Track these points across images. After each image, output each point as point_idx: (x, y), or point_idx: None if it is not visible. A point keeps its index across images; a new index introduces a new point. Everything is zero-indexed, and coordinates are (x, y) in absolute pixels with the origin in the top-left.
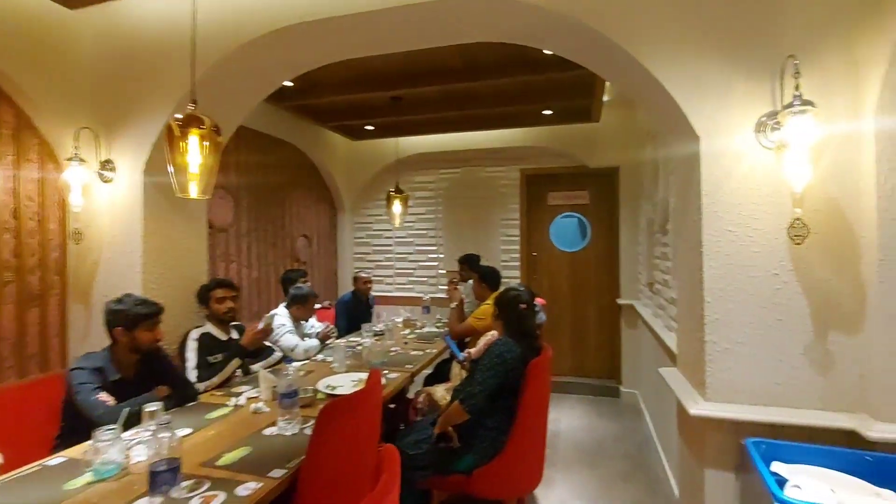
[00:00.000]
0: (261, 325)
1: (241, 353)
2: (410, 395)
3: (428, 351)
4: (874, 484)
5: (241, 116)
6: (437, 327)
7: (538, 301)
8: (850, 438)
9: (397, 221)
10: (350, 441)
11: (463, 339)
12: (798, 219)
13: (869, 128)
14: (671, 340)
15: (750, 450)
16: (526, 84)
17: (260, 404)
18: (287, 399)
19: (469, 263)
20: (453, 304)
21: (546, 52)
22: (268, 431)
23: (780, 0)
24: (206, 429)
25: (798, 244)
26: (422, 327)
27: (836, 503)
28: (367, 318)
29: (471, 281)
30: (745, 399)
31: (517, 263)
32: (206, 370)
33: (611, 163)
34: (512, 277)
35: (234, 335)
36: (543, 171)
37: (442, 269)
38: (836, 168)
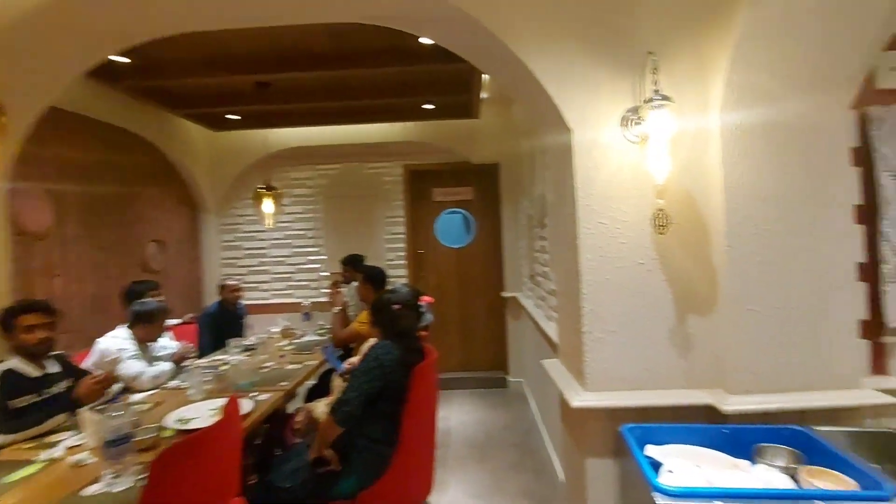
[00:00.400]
0: (88, 361)
1: (70, 407)
2: (294, 411)
3: (307, 363)
4: (731, 454)
5: (51, 95)
6: (320, 335)
7: (425, 300)
8: (710, 413)
9: (269, 222)
10: (197, 491)
11: (348, 346)
12: (661, 209)
13: (715, 125)
14: (552, 330)
15: (626, 436)
16: (404, 76)
17: (83, 454)
18: (114, 446)
19: (353, 264)
20: (336, 309)
21: (423, 41)
22: (91, 490)
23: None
24: (3, 497)
25: (661, 234)
26: (301, 336)
27: (705, 482)
28: (238, 330)
29: (355, 283)
30: (621, 386)
31: (403, 262)
32: (9, 418)
33: (492, 159)
34: (398, 277)
35: (53, 368)
36: (427, 167)
37: (325, 272)
38: (689, 162)
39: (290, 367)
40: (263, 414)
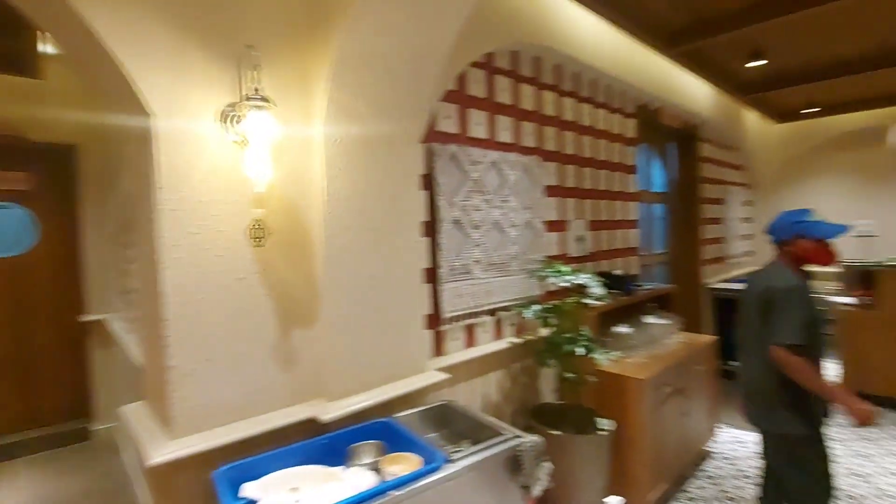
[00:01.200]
0: None
1: None
2: None
3: None
4: (331, 463)
5: None
6: None
7: None
8: (316, 426)
9: None
10: None
11: None
12: (258, 220)
13: (319, 136)
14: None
15: (216, 483)
16: None
17: None
18: None
19: None
20: None
21: None
22: None
23: None
24: None
25: (259, 246)
26: None
27: None
28: None
29: None
30: (221, 421)
31: None
32: None
33: (66, 138)
34: None
35: None
36: None
37: None
38: (294, 170)
39: None
40: None
